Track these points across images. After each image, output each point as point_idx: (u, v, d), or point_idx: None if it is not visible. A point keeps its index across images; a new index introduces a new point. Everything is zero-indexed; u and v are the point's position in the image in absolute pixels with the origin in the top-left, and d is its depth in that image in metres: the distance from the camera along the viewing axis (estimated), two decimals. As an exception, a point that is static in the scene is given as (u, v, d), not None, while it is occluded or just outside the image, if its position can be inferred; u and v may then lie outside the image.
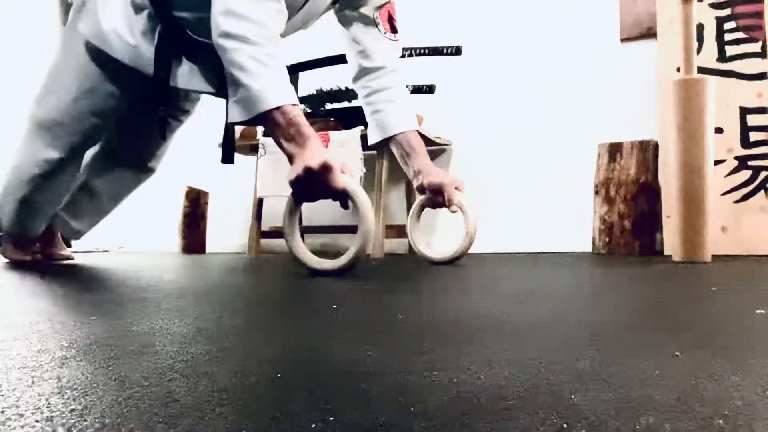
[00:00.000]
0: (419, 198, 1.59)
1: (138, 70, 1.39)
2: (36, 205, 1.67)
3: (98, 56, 1.46)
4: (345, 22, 1.53)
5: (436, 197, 1.52)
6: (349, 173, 1.14)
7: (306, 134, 1.14)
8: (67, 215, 1.78)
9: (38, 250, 1.81)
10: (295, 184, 1.13)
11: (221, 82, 1.28)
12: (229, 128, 1.47)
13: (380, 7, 1.51)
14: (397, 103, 1.55)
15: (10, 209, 1.66)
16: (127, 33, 1.37)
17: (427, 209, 1.61)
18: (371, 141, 1.60)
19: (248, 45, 1.14)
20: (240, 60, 1.14)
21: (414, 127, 1.56)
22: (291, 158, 1.14)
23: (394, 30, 1.55)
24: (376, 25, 1.52)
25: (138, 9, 1.37)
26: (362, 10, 1.50)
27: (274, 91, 1.13)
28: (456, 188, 1.49)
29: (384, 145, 1.60)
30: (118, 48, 1.38)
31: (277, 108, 1.12)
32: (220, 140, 1.53)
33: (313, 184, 1.12)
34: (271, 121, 1.13)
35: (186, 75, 1.39)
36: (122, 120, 1.65)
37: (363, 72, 1.54)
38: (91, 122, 1.57)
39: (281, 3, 1.21)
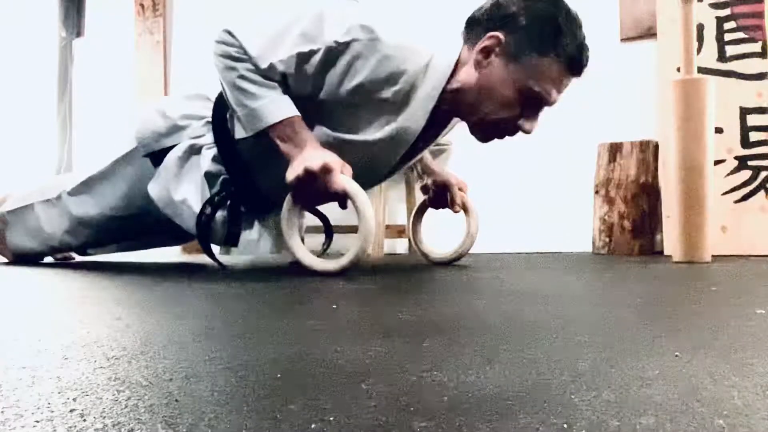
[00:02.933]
0: (423, 198, 1.60)
1: None
2: (48, 254, 1.73)
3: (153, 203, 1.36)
4: None
5: (440, 197, 1.52)
6: (349, 173, 1.14)
7: (303, 135, 1.14)
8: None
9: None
10: (294, 184, 1.13)
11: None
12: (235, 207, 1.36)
13: None
14: None
15: (23, 245, 1.66)
16: (199, 206, 1.28)
17: (430, 209, 1.61)
18: None
19: (236, 62, 1.14)
20: (232, 79, 1.15)
21: None
22: (289, 159, 1.14)
23: None
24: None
25: (213, 179, 1.29)
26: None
27: (271, 107, 1.14)
28: (460, 189, 1.49)
29: None
30: (188, 219, 1.29)
31: (277, 123, 1.14)
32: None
33: (313, 185, 1.12)
34: (271, 132, 1.15)
35: (254, 242, 1.35)
36: (162, 232, 1.60)
37: None
38: (118, 236, 1.57)
39: (278, 43, 1.16)
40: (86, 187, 1.50)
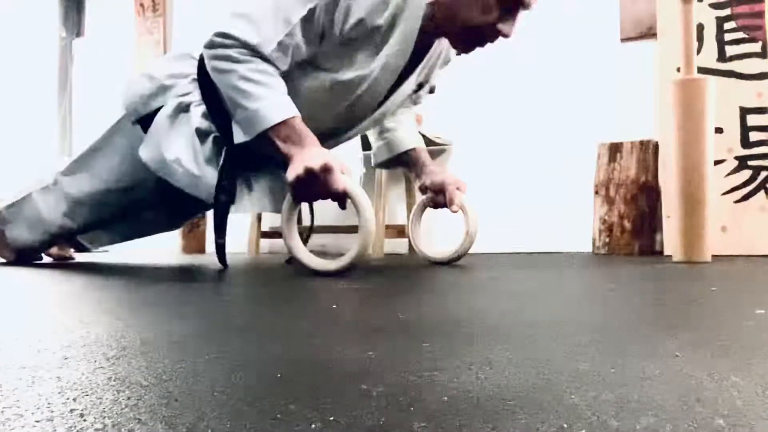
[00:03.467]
0: (421, 198, 1.60)
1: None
2: (48, 245, 1.72)
3: (148, 169, 1.35)
4: None
5: (438, 197, 1.53)
6: (349, 173, 1.14)
7: (303, 135, 1.14)
8: (83, 239, 1.79)
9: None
10: (295, 184, 1.13)
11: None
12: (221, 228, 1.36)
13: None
14: (405, 124, 1.59)
15: (23, 238, 1.65)
16: (192, 163, 1.27)
17: (429, 209, 1.62)
18: (378, 159, 1.63)
19: (234, 63, 1.14)
20: (231, 81, 1.15)
21: (421, 144, 1.61)
22: (289, 158, 1.14)
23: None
24: (416, 101, 1.55)
25: (204, 135, 1.29)
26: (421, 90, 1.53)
27: (271, 108, 1.14)
28: (458, 188, 1.50)
29: (390, 164, 1.64)
30: (180, 177, 1.28)
31: (277, 123, 1.14)
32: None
33: (313, 184, 1.12)
34: (272, 134, 1.14)
35: (251, 199, 1.34)
36: (159, 205, 1.60)
37: None
38: (115, 212, 1.55)
39: (277, 19, 1.17)
40: (80, 164, 1.50)
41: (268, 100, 1.14)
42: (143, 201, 1.50)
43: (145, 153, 1.31)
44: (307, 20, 1.15)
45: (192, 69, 1.33)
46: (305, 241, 1.44)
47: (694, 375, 0.36)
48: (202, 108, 1.29)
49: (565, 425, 0.27)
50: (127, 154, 1.40)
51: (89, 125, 3.67)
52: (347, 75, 1.23)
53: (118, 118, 1.41)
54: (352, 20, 1.16)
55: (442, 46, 1.38)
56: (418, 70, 1.36)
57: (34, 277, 1.29)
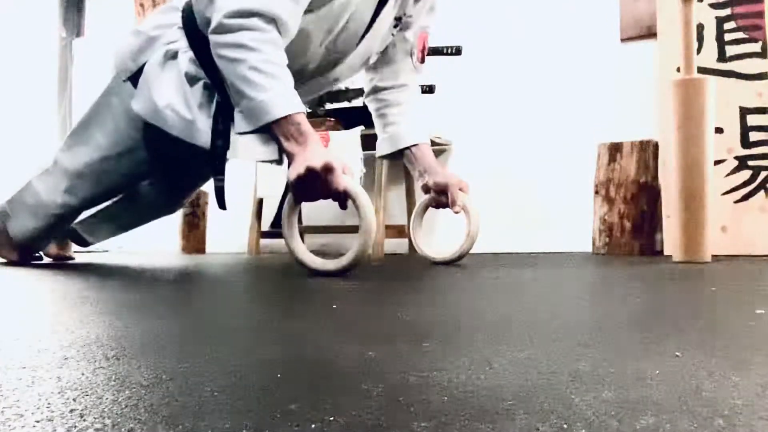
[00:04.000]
0: (424, 197, 1.60)
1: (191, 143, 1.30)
2: (50, 232, 1.69)
3: (143, 125, 1.34)
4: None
5: (440, 197, 1.52)
6: (350, 174, 1.14)
7: (306, 133, 1.14)
8: (83, 230, 1.77)
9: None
10: (296, 183, 1.13)
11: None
12: (220, 168, 1.34)
13: (420, 31, 1.54)
14: (411, 117, 1.59)
15: (25, 228, 1.64)
16: (183, 107, 1.26)
17: (430, 209, 1.61)
18: (381, 152, 1.62)
19: (247, 52, 1.14)
20: (240, 71, 1.14)
21: (426, 140, 1.60)
22: (291, 157, 1.14)
23: (422, 60, 1.59)
24: (411, 53, 1.55)
25: (193, 80, 1.28)
26: (407, 33, 1.52)
27: (278, 100, 1.13)
28: (460, 189, 1.49)
29: (394, 156, 1.62)
30: (174, 123, 1.27)
31: (283, 117, 1.13)
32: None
33: (314, 184, 1.11)
34: (275, 128, 1.14)
35: (246, 145, 1.30)
36: (159, 176, 1.60)
37: (381, 88, 1.56)
38: (115, 181, 1.53)
39: (283, 7, 1.18)
40: (76, 136, 1.50)
41: (275, 92, 1.13)
42: (141, 168, 1.49)
43: (137, 104, 1.31)
44: None
45: (177, 18, 1.34)
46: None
47: (694, 375, 0.36)
48: (190, 54, 1.30)
49: (565, 425, 0.27)
50: (121, 114, 1.40)
51: (89, 125, 3.67)
52: (334, 5, 1.25)
53: (110, 81, 1.42)
54: None
55: None
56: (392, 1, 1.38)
57: (34, 277, 1.29)
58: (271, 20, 1.16)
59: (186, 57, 1.29)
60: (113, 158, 1.46)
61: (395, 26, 1.45)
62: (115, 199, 1.69)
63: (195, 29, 1.28)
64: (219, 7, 1.16)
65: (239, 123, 1.18)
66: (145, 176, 1.57)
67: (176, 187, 1.69)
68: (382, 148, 1.61)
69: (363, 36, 1.38)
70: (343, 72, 1.47)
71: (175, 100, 1.27)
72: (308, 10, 1.25)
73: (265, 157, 1.30)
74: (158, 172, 1.54)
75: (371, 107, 1.62)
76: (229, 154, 1.27)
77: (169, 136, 1.28)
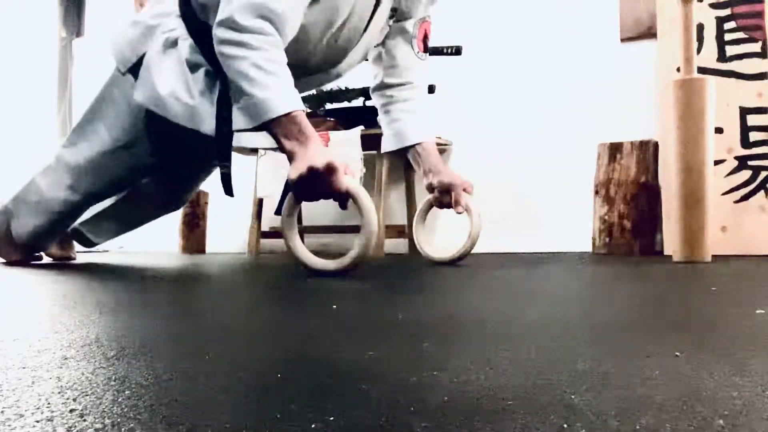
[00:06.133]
0: (427, 197, 1.60)
1: (194, 131, 1.29)
2: (53, 230, 1.69)
3: (146, 116, 1.35)
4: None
5: (444, 197, 1.52)
6: (351, 173, 1.13)
7: (307, 133, 1.13)
8: (86, 230, 1.77)
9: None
10: (297, 183, 1.12)
11: None
12: (226, 159, 1.34)
13: (420, 22, 1.53)
14: (417, 114, 1.58)
15: (28, 226, 1.64)
16: (185, 94, 1.26)
17: (433, 208, 1.61)
18: (386, 148, 1.62)
19: (249, 50, 1.13)
20: (242, 68, 1.13)
21: (431, 138, 1.60)
22: (291, 156, 1.13)
23: (425, 50, 1.58)
24: (411, 42, 1.54)
25: (194, 67, 1.27)
26: (406, 24, 1.52)
27: (278, 98, 1.13)
28: (465, 190, 1.49)
29: (399, 153, 1.62)
30: (177, 111, 1.26)
31: (283, 115, 1.12)
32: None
33: (316, 184, 1.11)
34: (275, 127, 1.13)
35: (249, 132, 1.30)
36: (161, 170, 1.59)
37: (387, 85, 1.56)
38: (118, 176, 1.53)
39: (284, 8, 1.17)
40: (78, 132, 1.50)
41: (275, 90, 1.13)
42: (144, 161, 1.48)
43: (139, 94, 1.30)
44: None
45: (174, 6, 1.33)
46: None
47: (694, 375, 0.36)
48: (190, 41, 1.29)
49: (565, 425, 0.27)
50: (123, 106, 1.40)
51: (89, 125, 3.67)
52: None
53: (110, 75, 1.42)
54: None
55: None
56: None
57: (34, 277, 1.29)
58: (277, 24, 1.15)
59: (186, 44, 1.29)
60: (116, 152, 1.45)
61: (391, 17, 1.45)
62: (118, 197, 1.69)
63: (193, 15, 1.28)
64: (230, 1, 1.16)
65: (238, 120, 1.17)
66: (147, 170, 1.56)
67: (178, 181, 1.69)
68: (387, 144, 1.61)
69: (365, 29, 1.38)
70: (343, 67, 1.47)
71: (177, 87, 1.26)
72: (311, 2, 1.25)
73: (269, 145, 1.29)
74: (161, 165, 1.53)
75: (377, 102, 1.61)
76: (234, 140, 1.26)
77: (173, 124, 1.27)
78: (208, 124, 1.25)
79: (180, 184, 1.72)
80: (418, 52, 1.56)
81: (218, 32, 1.17)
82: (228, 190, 1.35)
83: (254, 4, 1.14)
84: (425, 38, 1.56)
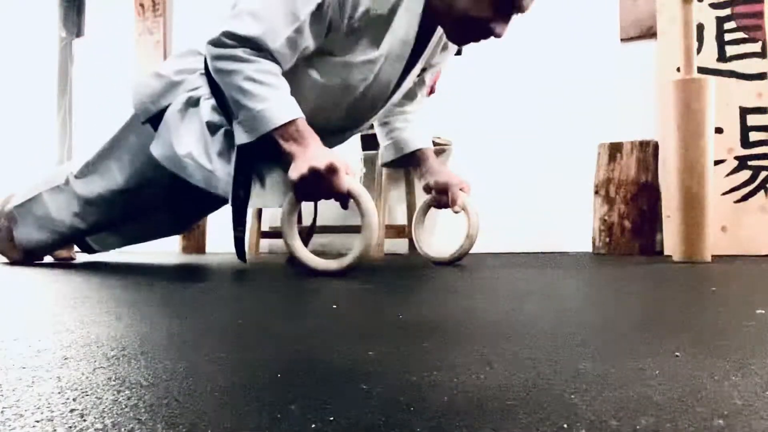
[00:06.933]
0: (424, 197, 1.60)
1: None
2: (55, 246, 1.71)
3: (160, 164, 1.33)
4: None
5: (442, 197, 1.52)
6: (353, 174, 1.13)
7: (307, 134, 1.13)
8: (90, 239, 1.78)
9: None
10: (298, 183, 1.12)
11: None
12: (240, 229, 1.31)
13: (436, 71, 1.56)
14: (415, 123, 1.59)
15: (31, 237, 1.64)
16: (203, 156, 1.25)
17: (432, 209, 1.61)
18: (384, 159, 1.63)
19: (240, 63, 1.13)
20: (236, 82, 1.14)
21: (428, 144, 1.60)
22: (291, 157, 1.13)
23: (431, 92, 1.59)
24: (422, 88, 1.58)
25: (214, 129, 1.27)
26: (426, 76, 1.54)
27: (276, 109, 1.13)
28: (461, 189, 1.49)
29: (397, 164, 1.63)
30: (193, 172, 1.26)
31: (282, 125, 1.13)
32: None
33: (317, 184, 1.11)
34: (274, 133, 1.13)
35: (263, 194, 1.29)
36: (171, 210, 1.60)
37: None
38: (126, 212, 1.54)
39: (286, 13, 1.16)
40: (92, 166, 1.50)
41: (273, 102, 1.13)
42: (154, 202, 1.50)
43: (156, 149, 1.31)
44: (316, 15, 1.15)
45: (200, 64, 1.33)
46: (306, 242, 1.43)
47: (694, 375, 0.36)
48: (212, 102, 1.28)
49: (565, 425, 0.27)
50: (138, 153, 1.40)
51: (89, 125, 3.67)
52: (357, 58, 1.24)
53: (128, 118, 1.41)
54: (360, 10, 1.17)
55: (441, 31, 1.39)
56: (423, 57, 1.36)
57: (34, 277, 1.29)
58: (263, 51, 1.14)
59: (208, 104, 1.28)
60: (126, 192, 1.47)
61: (418, 75, 1.46)
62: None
63: None
64: (223, 25, 1.16)
65: (239, 135, 1.17)
66: (157, 209, 1.58)
67: (187, 213, 1.69)
68: (386, 155, 1.61)
69: (393, 91, 1.37)
70: (363, 128, 1.49)
71: (195, 149, 1.26)
72: (330, 54, 1.24)
73: (279, 204, 1.30)
74: (171, 206, 1.54)
75: (376, 122, 1.62)
76: (250, 203, 1.26)
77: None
78: (223, 187, 1.25)
79: (188, 216, 1.72)
80: (424, 94, 1.60)
81: (209, 50, 1.17)
82: (241, 255, 1.34)
83: (244, 31, 1.14)
84: (433, 83, 1.58)
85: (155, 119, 1.33)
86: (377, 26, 1.22)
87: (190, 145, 1.27)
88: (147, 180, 1.41)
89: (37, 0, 3.83)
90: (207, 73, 1.30)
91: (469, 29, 1.26)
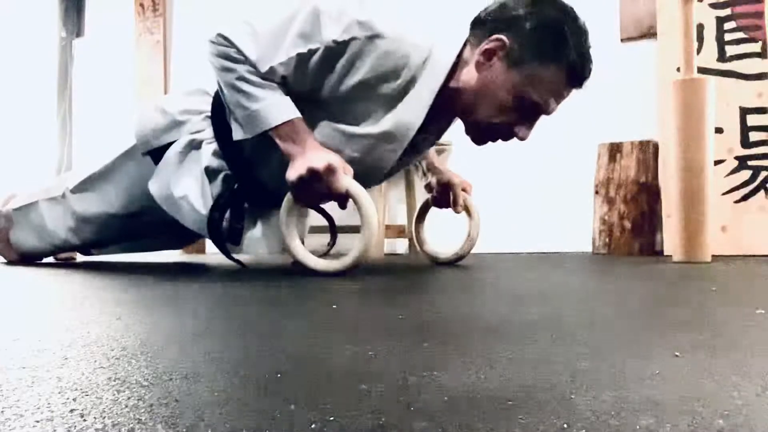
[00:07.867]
0: (425, 197, 1.60)
1: None
2: (50, 254, 1.73)
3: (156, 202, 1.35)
4: None
5: (443, 197, 1.52)
6: (351, 174, 1.13)
7: (304, 135, 1.13)
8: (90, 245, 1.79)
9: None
10: (297, 184, 1.12)
11: None
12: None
13: None
14: None
15: (26, 243, 1.66)
16: (199, 201, 1.26)
17: (432, 209, 1.61)
18: None
19: (234, 63, 1.13)
20: (230, 81, 1.14)
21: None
22: (290, 157, 1.13)
23: None
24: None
25: (213, 174, 1.28)
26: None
27: (272, 108, 1.13)
28: (464, 189, 1.49)
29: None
30: (187, 215, 1.28)
31: (279, 125, 1.13)
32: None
33: (315, 185, 1.11)
34: (272, 132, 1.14)
35: (258, 240, 1.32)
36: (166, 234, 1.61)
37: None
38: (121, 234, 1.56)
39: (277, 44, 1.14)
40: (89, 184, 1.50)
41: (269, 101, 1.13)
42: (149, 227, 1.51)
43: (153, 187, 1.32)
44: (302, 60, 1.12)
45: (206, 106, 1.32)
46: (331, 245, 1.43)
47: (694, 375, 0.36)
48: (214, 146, 1.29)
49: (565, 425, 0.27)
50: (136, 182, 1.40)
51: (89, 125, 3.67)
52: (352, 129, 1.18)
53: (130, 146, 1.41)
54: (354, 79, 1.12)
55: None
56: (433, 129, 1.32)
57: (34, 277, 1.29)
58: (247, 61, 1.13)
59: (209, 149, 1.29)
60: (121, 217, 1.48)
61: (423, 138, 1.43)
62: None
63: (223, 119, 1.26)
64: (223, 28, 1.16)
65: (236, 131, 1.18)
66: (150, 233, 1.60)
67: (185, 236, 1.69)
68: None
69: (398, 162, 1.30)
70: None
71: (191, 193, 1.27)
72: (331, 117, 1.18)
73: (273, 251, 1.32)
74: (166, 231, 1.54)
75: None
76: (238, 249, 1.30)
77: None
78: (216, 236, 1.28)
79: (185, 236, 1.72)
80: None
81: (208, 47, 1.17)
82: (238, 262, 1.37)
83: (237, 31, 1.14)
84: None
85: (155, 152, 1.34)
86: (377, 102, 1.16)
87: (188, 188, 1.28)
88: (143, 208, 1.41)
89: (37, 0, 3.83)
90: (212, 116, 1.31)
91: (491, 132, 1.23)
